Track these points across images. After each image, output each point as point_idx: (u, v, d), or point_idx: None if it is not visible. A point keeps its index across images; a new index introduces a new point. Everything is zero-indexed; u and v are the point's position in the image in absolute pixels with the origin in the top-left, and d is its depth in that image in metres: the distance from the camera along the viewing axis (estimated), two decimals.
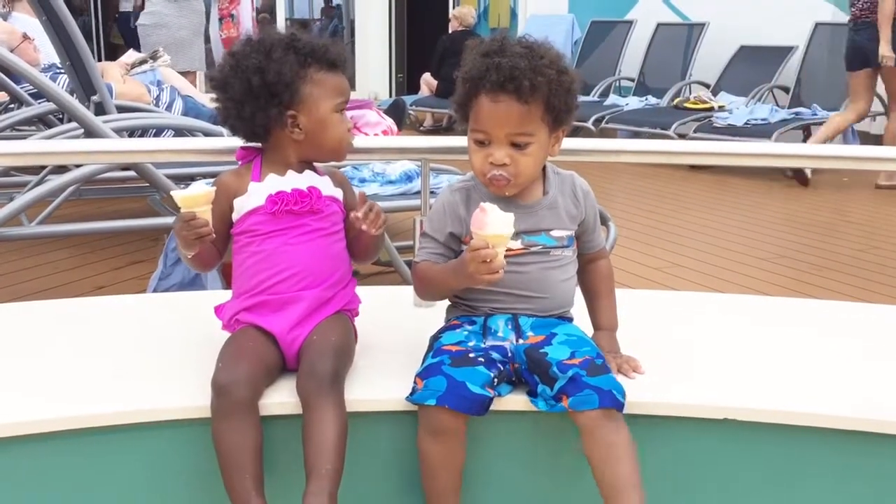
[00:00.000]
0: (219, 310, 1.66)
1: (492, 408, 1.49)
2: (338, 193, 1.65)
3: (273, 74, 1.54)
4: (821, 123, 6.96)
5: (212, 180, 1.63)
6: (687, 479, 1.61)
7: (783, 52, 7.81)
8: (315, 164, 1.67)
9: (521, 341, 1.57)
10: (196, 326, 1.80)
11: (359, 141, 2.75)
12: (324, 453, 1.41)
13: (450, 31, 9.49)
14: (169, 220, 3.61)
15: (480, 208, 1.45)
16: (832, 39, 7.51)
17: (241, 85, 1.55)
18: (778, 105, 7.57)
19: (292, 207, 1.58)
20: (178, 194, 1.48)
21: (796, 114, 7.15)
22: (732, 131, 6.80)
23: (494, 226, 1.43)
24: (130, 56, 5.97)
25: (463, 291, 1.63)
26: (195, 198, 1.48)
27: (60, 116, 4.36)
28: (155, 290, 3.41)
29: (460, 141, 2.15)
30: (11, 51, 4.59)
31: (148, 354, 1.73)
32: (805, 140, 6.96)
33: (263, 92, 1.55)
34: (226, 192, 1.60)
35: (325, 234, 1.61)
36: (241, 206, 1.60)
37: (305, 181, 1.61)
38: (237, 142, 1.68)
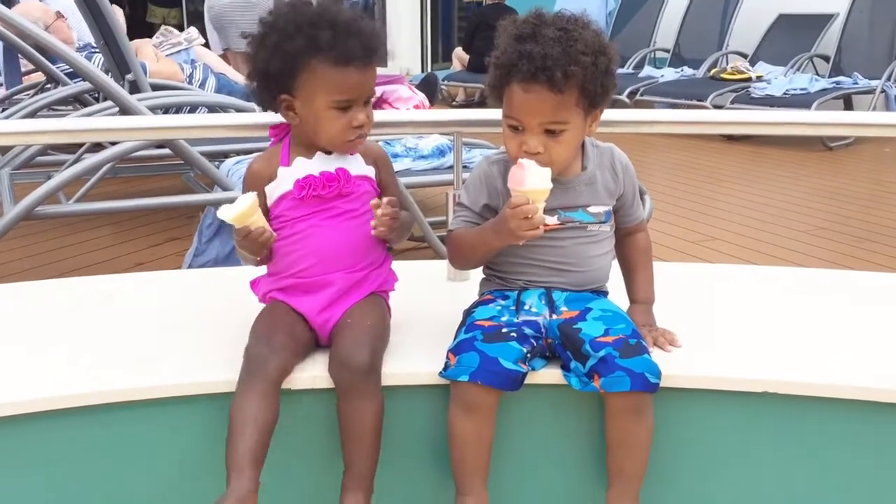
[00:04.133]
0: (254, 284, 1.67)
1: (525, 382, 1.48)
2: (370, 171, 1.61)
3: (276, 57, 1.49)
4: (863, 92, 6.82)
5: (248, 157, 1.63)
6: (726, 453, 1.59)
7: (823, 20, 7.63)
8: None
9: (554, 316, 1.56)
10: (231, 302, 1.82)
11: (390, 115, 2.74)
12: (361, 446, 1.46)
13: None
14: (204, 196, 3.64)
15: (518, 164, 1.44)
16: (874, 6, 7.32)
17: (251, 57, 1.54)
18: (818, 74, 7.41)
19: (320, 192, 1.55)
20: (227, 216, 1.47)
21: (837, 83, 6.99)
22: (771, 102, 6.68)
23: (533, 180, 1.42)
24: (192, 33, 6.00)
25: (497, 263, 1.62)
26: (242, 215, 1.47)
27: (96, 95, 4.40)
28: (190, 267, 3.45)
29: (493, 114, 2.12)
30: (46, 29, 4.64)
31: (185, 330, 1.74)
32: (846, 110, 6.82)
33: (266, 70, 1.52)
34: (258, 180, 1.59)
35: (355, 215, 1.58)
36: (272, 192, 1.58)
37: (334, 163, 1.58)
38: (269, 117, 1.67)
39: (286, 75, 1.51)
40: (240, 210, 1.47)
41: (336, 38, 1.48)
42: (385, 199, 1.54)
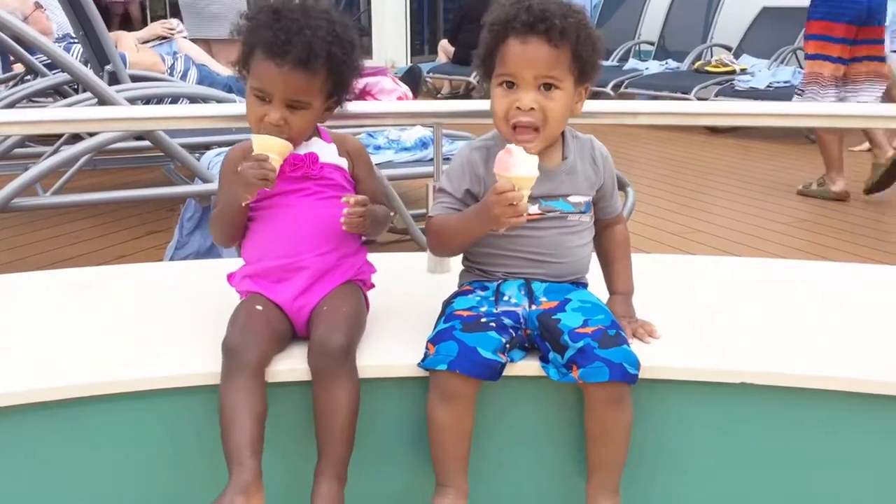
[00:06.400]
0: (231, 277, 1.67)
1: (504, 373, 1.48)
2: (342, 162, 1.62)
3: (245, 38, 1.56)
4: None
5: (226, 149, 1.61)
6: (704, 444, 1.59)
7: (806, 13, 7.64)
8: (323, 130, 1.65)
9: (533, 307, 1.55)
10: (211, 294, 1.80)
11: (370, 106, 2.72)
12: (334, 431, 1.45)
13: None
14: (184, 188, 3.61)
15: (506, 150, 1.43)
16: None
17: None
18: (801, 67, 7.42)
19: (285, 169, 1.55)
20: (255, 136, 1.49)
21: None
22: (754, 94, 6.72)
23: (520, 167, 1.41)
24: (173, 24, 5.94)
25: (477, 254, 1.61)
26: (271, 144, 1.48)
27: (76, 87, 4.36)
28: (171, 259, 3.43)
29: (473, 105, 2.12)
30: (24, 20, 4.58)
31: (164, 323, 1.73)
32: None
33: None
34: (234, 163, 1.58)
35: (324, 197, 1.58)
36: None
37: (306, 147, 1.60)
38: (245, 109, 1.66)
39: (244, 56, 1.56)
40: (270, 140, 1.48)
41: (277, 33, 1.49)
42: (355, 198, 1.54)
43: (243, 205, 1.52)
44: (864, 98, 4.77)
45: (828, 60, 4.75)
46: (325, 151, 1.61)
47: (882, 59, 4.91)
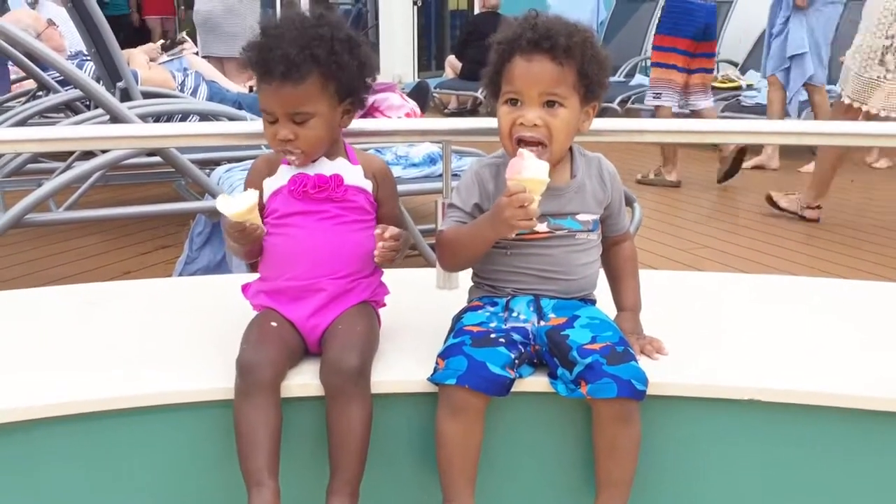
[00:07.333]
0: (245, 288, 1.68)
1: (512, 389, 1.49)
2: (367, 185, 1.62)
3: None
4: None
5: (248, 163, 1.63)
6: (712, 460, 1.60)
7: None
8: (351, 150, 1.65)
9: (542, 323, 1.56)
10: (222, 310, 1.81)
11: (379, 123, 2.74)
12: (348, 450, 1.46)
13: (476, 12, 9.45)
14: (194, 204, 3.64)
15: (518, 155, 1.46)
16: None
17: None
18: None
19: (309, 190, 1.57)
20: (228, 211, 1.49)
21: (826, 92, 7.02)
22: (761, 110, 6.71)
23: (531, 170, 1.43)
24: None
25: (486, 271, 1.63)
26: (242, 214, 1.50)
27: (87, 103, 4.40)
28: (181, 275, 3.45)
29: (483, 122, 2.14)
30: (37, 37, 4.63)
31: (174, 337, 1.74)
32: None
33: None
34: (258, 175, 1.62)
35: (345, 221, 1.59)
36: (269, 186, 1.61)
37: (332, 168, 1.60)
38: (258, 126, 1.68)
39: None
40: (242, 209, 1.50)
41: (259, 53, 1.52)
42: (389, 232, 1.55)
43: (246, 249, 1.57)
44: (702, 104, 5.60)
45: (674, 69, 5.50)
46: (351, 173, 1.61)
47: (711, 71, 5.80)
